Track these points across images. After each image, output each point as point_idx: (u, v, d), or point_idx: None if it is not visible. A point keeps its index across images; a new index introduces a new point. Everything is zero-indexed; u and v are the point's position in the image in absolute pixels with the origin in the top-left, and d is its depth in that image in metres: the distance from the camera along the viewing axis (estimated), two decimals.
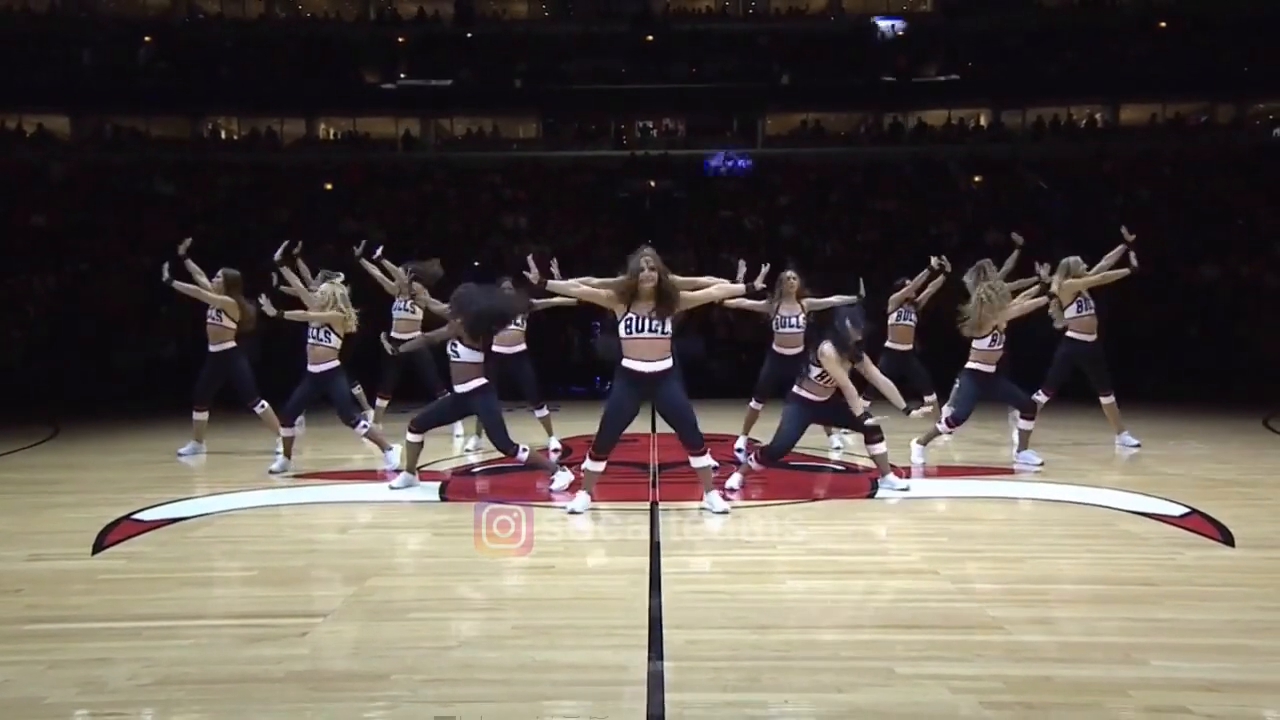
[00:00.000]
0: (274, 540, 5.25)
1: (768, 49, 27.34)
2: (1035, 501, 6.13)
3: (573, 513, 5.58)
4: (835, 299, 7.23)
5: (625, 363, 5.48)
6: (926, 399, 8.75)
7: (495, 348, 7.72)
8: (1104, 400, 8.07)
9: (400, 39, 27.81)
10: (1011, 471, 7.14)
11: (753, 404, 7.83)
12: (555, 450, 7.97)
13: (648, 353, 5.40)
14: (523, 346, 8.00)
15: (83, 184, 22.93)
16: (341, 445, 8.66)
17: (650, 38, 27.48)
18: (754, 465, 6.35)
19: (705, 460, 5.63)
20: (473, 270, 14.18)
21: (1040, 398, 7.84)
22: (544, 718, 2.84)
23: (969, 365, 7.17)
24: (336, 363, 7.13)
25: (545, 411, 8.18)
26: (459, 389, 6.21)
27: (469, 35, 27.60)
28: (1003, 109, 27.20)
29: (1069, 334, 7.94)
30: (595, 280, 5.71)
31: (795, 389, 6.21)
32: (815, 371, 6.03)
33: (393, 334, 7.97)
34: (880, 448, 6.22)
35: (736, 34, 27.90)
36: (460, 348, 6.10)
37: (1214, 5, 25.44)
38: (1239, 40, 24.72)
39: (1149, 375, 12.59)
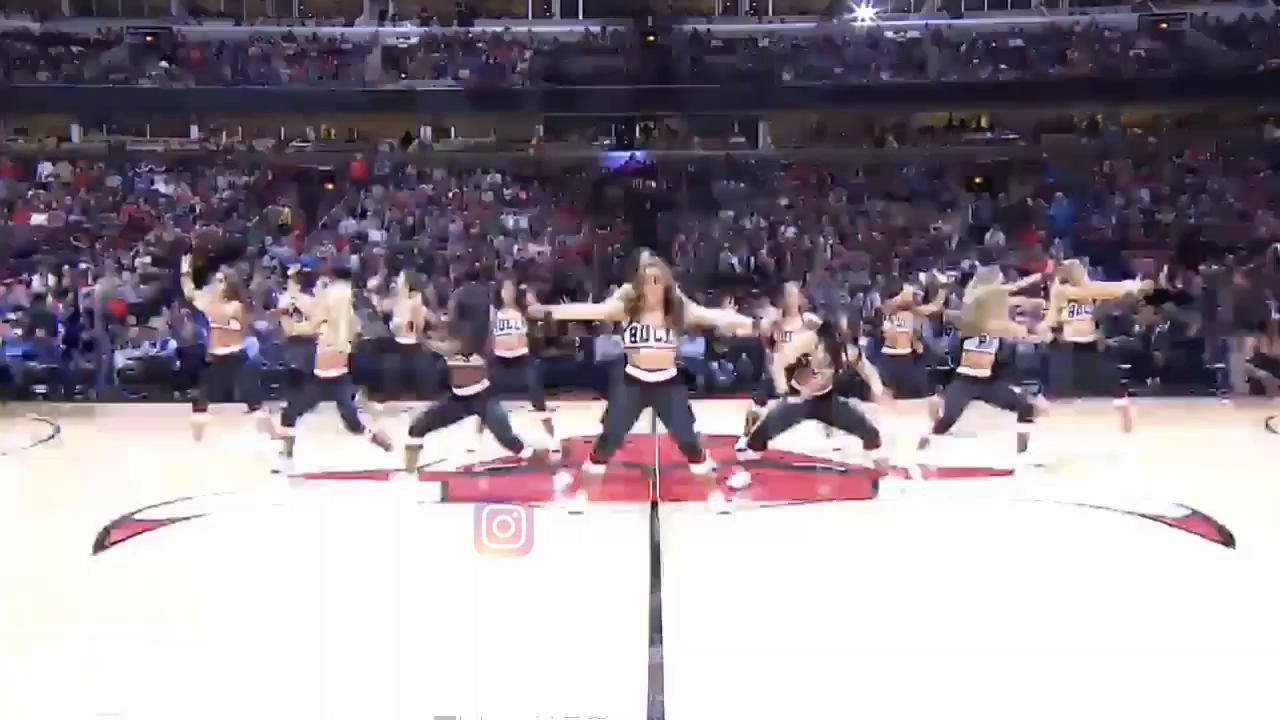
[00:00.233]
0: (275, 540, 5.25)
1: (769, 50, 27.32)
2: (1035, 503, 6.12)
3: (573, 513, 5.57)
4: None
5: (629, 369, 5.49)
6: (930, 400, 8.73)
7: (498, 352, 7.74)
8: (1116, 403, 7.95)
9: (401, 40, 27.80)
10: (1011, 473, 7.13)
11: (754, 406, 7.83)
12: (556, 451, 7.98)
13: (652, 362, 5.40)
14: (524, 350, 8.01)
15: (84, 185, 22.92)
16: (342, 446, 8.64)
17: (652, 38, 27.45)
18: (751, 454, 6.39)
19: (705, 467, 5.65)
20: (470, 276, 14.19)
21: (1043, 402, 7.83)
22: (544, 718, 2.85)
23: (958, 370, 7.12)
24: (344, 369, 7.11)
25: (547, 414, 8.19)
26: (461, 392, 6.19)
27: (470, 36, 27.58)
28: (1004, 110, 27.15)
29: (1066, 337, 7.90)
30: (600, 306, 5.69)
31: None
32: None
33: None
34: (880, 451, 6.22)
35: (738, 34, 27.86)
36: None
37: (1215, 7, 25.41)
38: (1239, 42, 24.69)
39: (1149, 376, 12.58)
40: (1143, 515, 5.52)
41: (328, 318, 7.00)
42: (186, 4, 27.65)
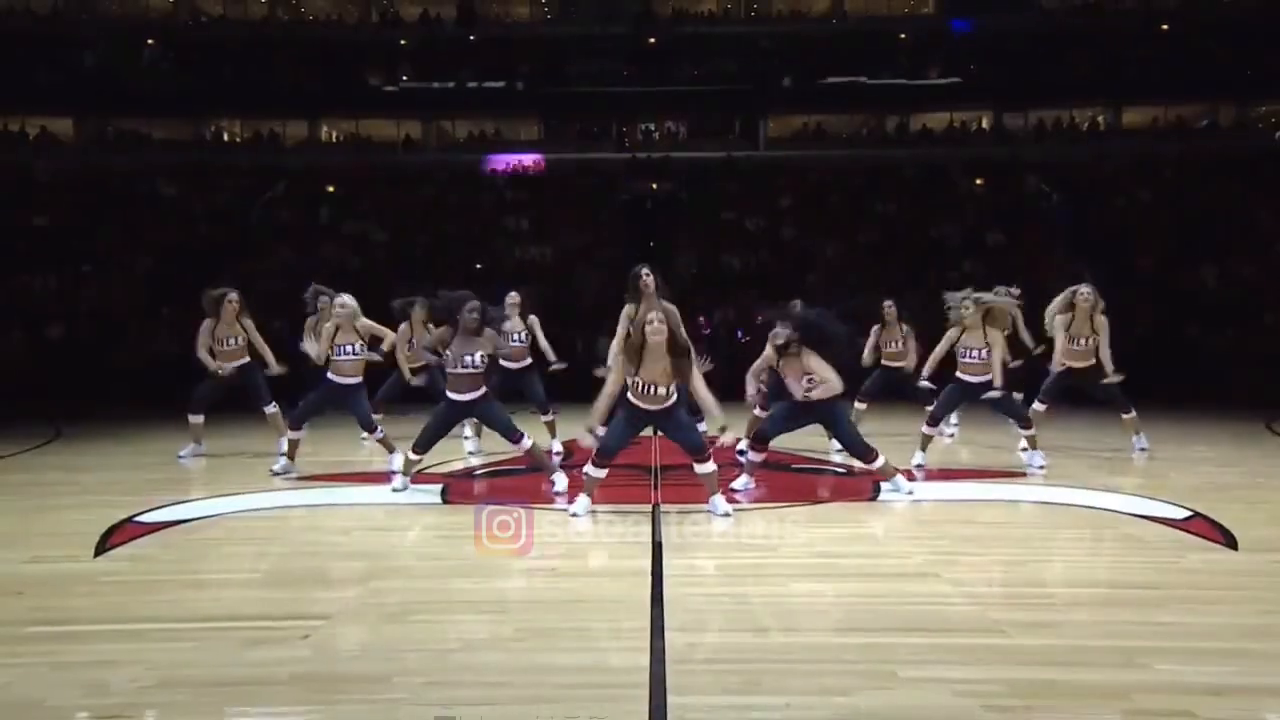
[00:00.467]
0: (276, 542, 5.25)
1: (769, 51, 27.34)
2: (1037, 504, 6.12)
3: (574, 516, 5.59)
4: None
5: (630, 397, 5.63)
6: (927, 408, 8.74)
7: (502, 362, 7.75)
8: (1125, 417, 8.00)
9: (402, 41, 27.82)
10: (1013, 474, 7.13)
11: (756, 410, 7.84)
12: (558, 453, 7.98)
13: (653, 402, 5.60)
14: (529, 361, 8.11)
15: (85, 185, 22.94)
16: (344, 447, 8.66)
17: (652, 40, 27.48)
18: (754, 456, 6.41)
19: (710, 466, 5.69)
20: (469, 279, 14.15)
21: (1038, 406, 7.83)
22: (544, 718, 2.84)
23: (956, 375, 7.24)
24: (359, 379, 7.17)
25: (551, 417, 8.26)
26: (460, 398, 6.22)
27: (471, 37, 27.60)
28: (1004, 111, 27.19)
29: (1062, 361, 7.86)
30: (618, 359, 5.71)
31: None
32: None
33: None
34: (879, 462, 6.21)
35: (738, 36, 27.89)
36: (467, 358, 6.13)
37: (1215, 8, 25.43)
38: (1240, 43, 24.71)
39: (1150, 378, 12.56)
40: (1145, 517, 5.51)
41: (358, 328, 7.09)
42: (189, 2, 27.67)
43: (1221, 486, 6.65)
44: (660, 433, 5.97)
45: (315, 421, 9.68)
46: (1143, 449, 7.99)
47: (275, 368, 8.11)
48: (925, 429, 7.37)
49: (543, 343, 8.24)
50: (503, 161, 25.10)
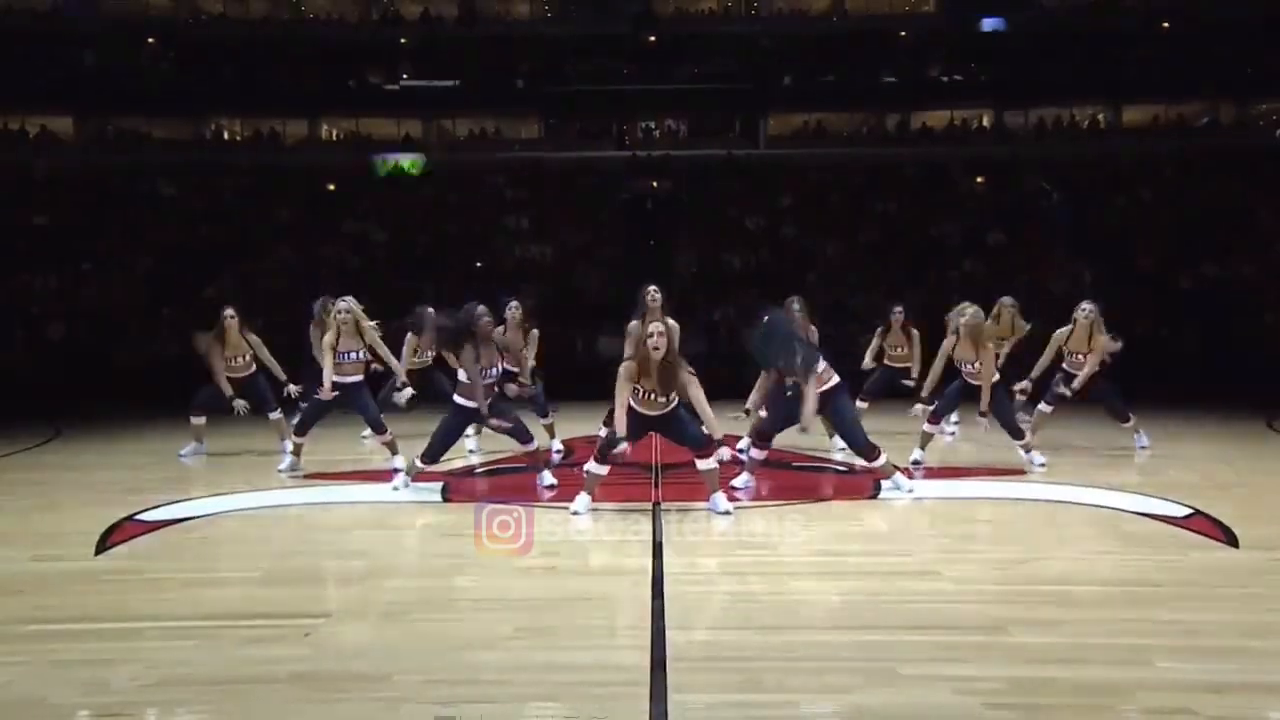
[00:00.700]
0: (276, 541, 5.25)
1: (769, 50, 27.33)
2: (1038, 503, 6.11)
3: (575, 514, 5.60)
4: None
5: (632, 402, 5.69)
6: (920, 405, 8.74)
7: (505, 365, 7.73)
8: (1124, 426, 7.99)
9: (402, 40, 27.82)
10: (1014, 472, 7.12)
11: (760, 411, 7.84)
12: (558, 451, 7.98)
13: (656, 406, 5.69)
14: (531, 364, 8.01)
15: (85, 185, 22.95)
16: (343, 445, 8.65)
17: (652, 39, 27.47)
18: (756, 454, 6.41)
19: (711, 463, 5.68)
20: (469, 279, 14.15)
21: (1044, 407, 7.83)
22: (545, 719, 2.84)
23: (962, 378, 7.26)
24: (360, 377, 7.13)
25: (550, 420, 8.27)
26: (471, 405, 6.24)
27: (471, 36, 27.60)
28: (1005, 110, 27.18)
29: (1064, 367, 7.85)
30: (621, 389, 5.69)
31: None
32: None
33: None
34: (880, 460, 6.19)
35: (738, 35, 27.88)
36: (493, 370, 6.26)
37: (1216, 7, 25.43)
38: (1240, 42, 24.71)
39: (1151, 377, 12.56)
40: (1146, 515, 5.51)
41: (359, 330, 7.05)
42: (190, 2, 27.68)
43: (1222, 484, 6.65)
44: (662, 434, 5.98)
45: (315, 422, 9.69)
46: (1144, 447, 7.98)
47: (282, 378, 8.04)
48: (926, 426, 7.37)
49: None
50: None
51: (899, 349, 8.67)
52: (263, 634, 3.55)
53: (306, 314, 8.43)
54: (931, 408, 7.39)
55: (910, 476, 6.47)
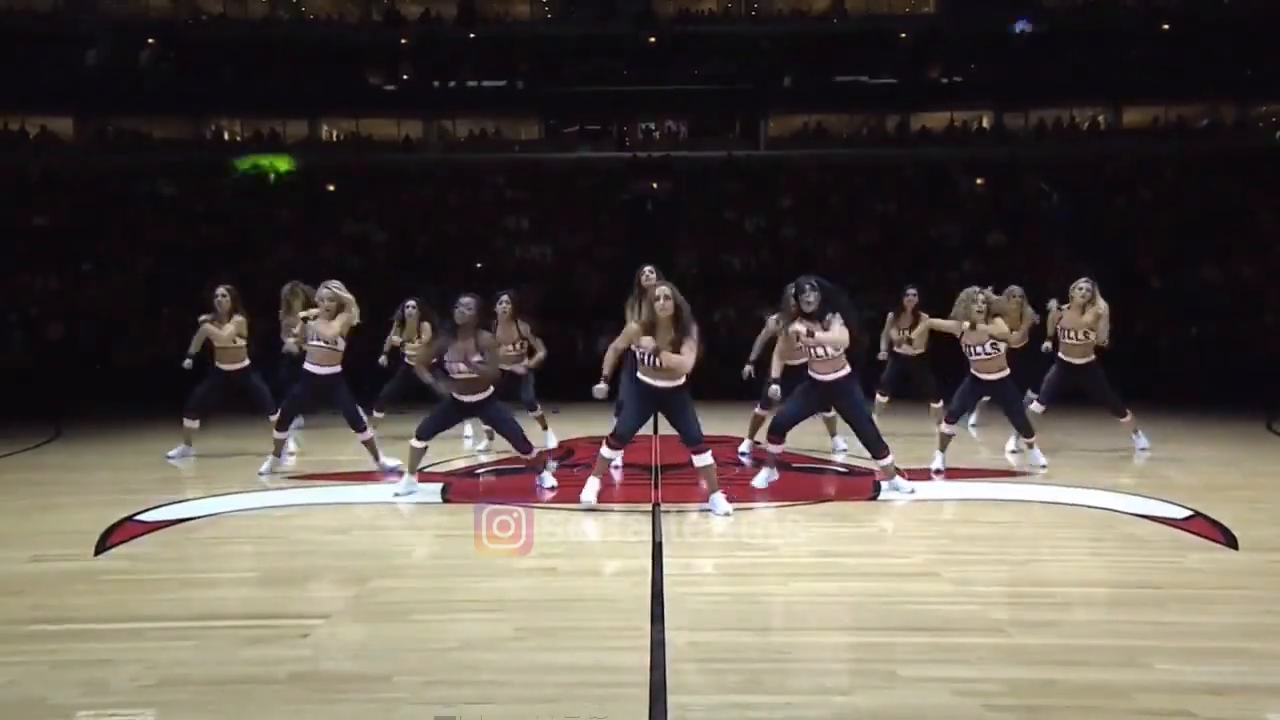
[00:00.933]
0: (276, 541, 5.25)
1: (769, 51, 27.34)
2: (1038, 504, 6.11)
3: (585, 501, 5.73)
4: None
5: (639, 374, 5.74)
6: (933, 405, 8.75)
7: (503, 366, 7.73)
8: (1121, 422, 7.99)
9: (403, 40, 27.82)
10: (1013, 474, 7.12)
11: (758, 410, 7.82)
12: (553, 449, 8.00)
13: (661, 375, 5.66)
14: (522, 364, 8.02)
15: (85, 185, 22.95)
16: (342, 446, 8.65)
17: (652, 39, 27.48)
18: (772, 448, 6.31)
19: (707, 458, 5.72)
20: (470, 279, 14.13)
21: (1035, 408, 7.83)
22: (544, 718, 2.84)
23: (971, 371, 7.14)
24: (338, 368, 7.03)
25: (539, 413, 8.33)
26: (465, 399, 6.18)
27: (471, 37, 27.60)
28: (1005, 111, 27.18)
29: (1060, 356, 7.86)
30: (621, 340, 5.80)
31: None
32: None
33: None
34: (888, 459, 6.18)
35: (738, 35, 27.89)
36: (461, 364, 6.04)
37: (1216, 8, 25.44)
38: (1241, 43, 24.71)
39: (1150, 378, 12.56)
40: (1145, 517, 5.51)
41: (325, 312, 6.92)
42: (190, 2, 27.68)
43: (1222, 486, 6.65)
44: (664, 414, 5.98)
45: (315, 421, 9.73)
46: (1144, 448, 7.97)
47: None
48: (944, 427, 7.20)
49: (538, 347, 8.12)
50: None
51: (907, 331, 8.47)
52: (262, 634, 3.55)
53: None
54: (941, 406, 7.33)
55: (927, 479, 6.47)
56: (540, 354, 8.12)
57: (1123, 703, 2.87)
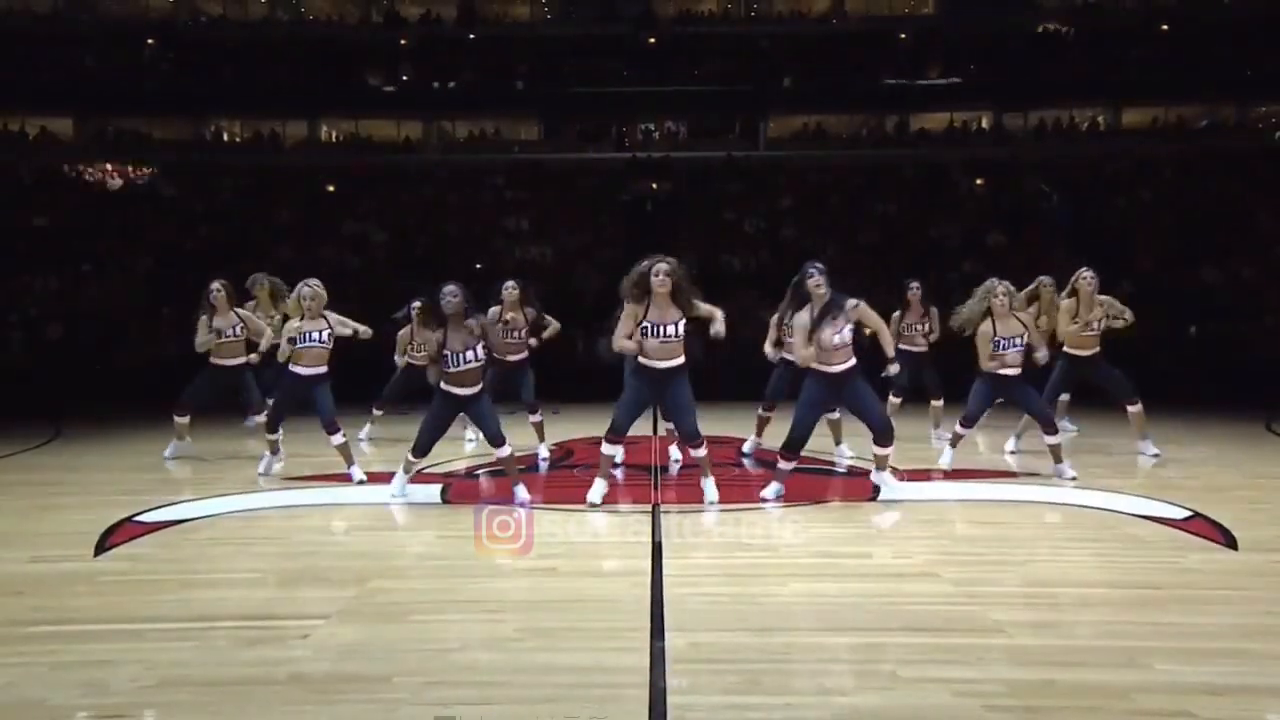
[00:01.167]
0: (276, 542, 5.25)
1: (769, 51, 27.34)
2: (1038, 504, 6.12)
3: (592, 504, 5.78)
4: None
5: (641, 359, 5.82)
6: (935, 403, 8.74)
7: (496, 356, 7.67)
8: (1130, 409, 7.76)
9: (402, 41, 27.82)
10: (1014, 474, 7.12)
11: (761, 410, 7.80)
12: (544, 459, 7.93)
13: (662, 353, 5.76)
14: (524, 355, 7.92)
15: (85, 185, 22.95)
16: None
17: (652, 40, 27.48)
18: (784, 465, 6.15)
19: (702, 451, 5.91)
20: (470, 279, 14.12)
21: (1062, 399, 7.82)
22: (544, 718, 2.84)
23: (981, 369, 6.94)
24: (324, 369, 6.93)
25: (539, 418, 8.13)
26: (460, 392, 6.00)
27: (471, 37, 27.60)
28: (1004, 112, 27.18)
29: (1066, 349, 7.78)
30: (623, 325, 5.84)
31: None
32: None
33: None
34: (889, 449, 6.12)
35: (738, 36, 27.89)
36: (470, 353, 5.92)
37: (1216, 8, 25.43)
38: (1240, 43, 24.72)
39: (1150, 379, 12.55)
40: (1145, 517, 5.51)
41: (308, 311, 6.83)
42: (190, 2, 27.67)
43: (1221, 486, 6.65)
44: (662, 404, 6.03)
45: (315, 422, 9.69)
46: (1155, 455, 7.75)
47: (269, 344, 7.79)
48: (959, 428, 7.14)
49: (549, 322, 8.05)
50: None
51: (918, 327, 8.41)
52: (262, 635, 3.55)
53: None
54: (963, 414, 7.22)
55: (902, 479, 6.49)
56: (555, 326, 8.02)
57: (1122, 703, 2.87)
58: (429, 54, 27.40)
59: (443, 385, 6.02)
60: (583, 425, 9.75)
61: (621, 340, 5.77)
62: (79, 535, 5.14)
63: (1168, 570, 4.41)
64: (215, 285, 7.91)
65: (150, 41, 26.87)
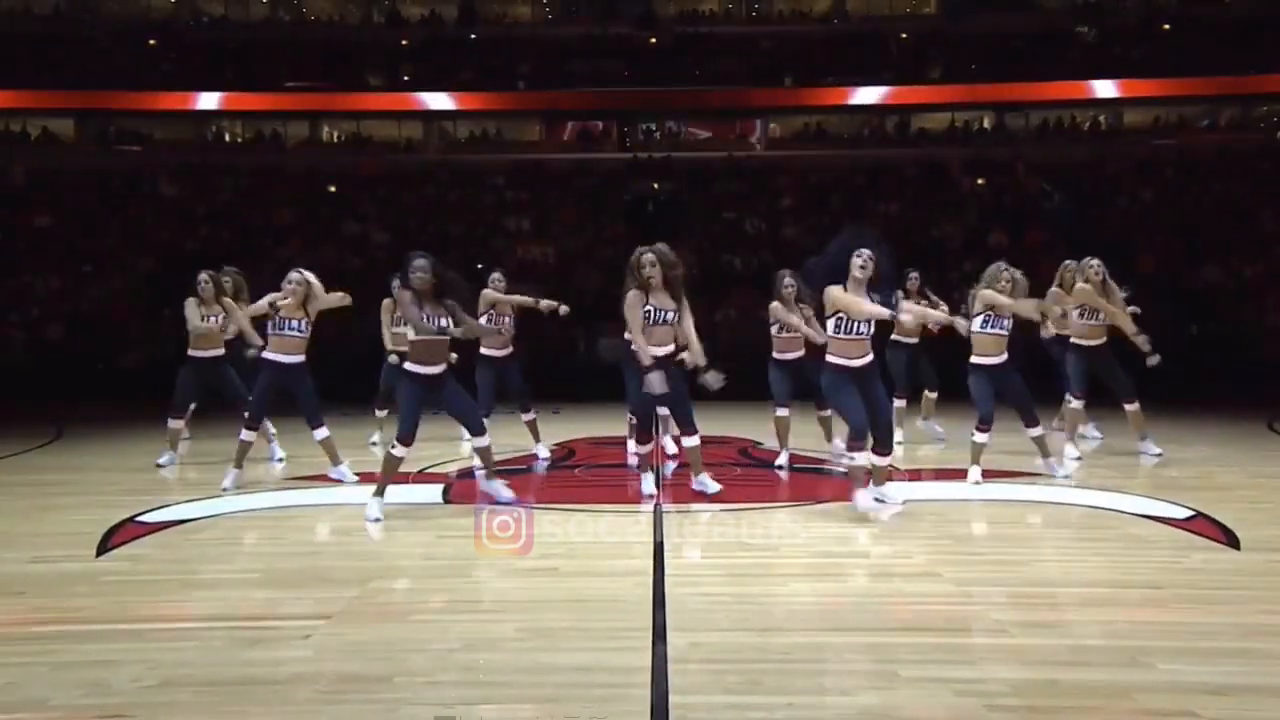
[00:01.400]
0: (277, 542, 5.25)
1: (769, 51, 27.33)
2: (1039, 504, 6.11)
3: (648, 495, 5.99)
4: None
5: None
6: (929, 393, 8.69)
7: (484, 351, 7.64)
8: (1127, 408, 7.70)
9: (403, 41, 27.82)
10: (1015, 474, 7.11)
11: (779, 412, 7.43)
12: (544, 459, 7.92)
13: (664, 338, 5.92)
14: (510, 350, 7.82)
15: (85, 185, 22.94)
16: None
17: (653, 40, 27.47)
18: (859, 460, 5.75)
19: (695, 440, 6.06)
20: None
21: (1075, 404, 7.74)
22: (544, 718, 2.83)
23: (971, 361, 6.68)
24: (302, 357, 6.73)
25: (532, 415, 7.99)
26: (424, 370, 5.68)
27: (472, 37, 27.60)
28: (1005, 111, 27.16)
29: (1073, 340, 7.75)
30: (632, 315, 5.92)
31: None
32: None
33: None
34: (861, 458, 5.69)
35: (738, 36, 27.88)
36: (439, 322, 5.71)
37: (1216, 7, 25.41)
38: (1241, 43, 24.70)
39: (1151, 377, 12.54)
40: (1147, 517, 5.51)
41: (291, 297, 6.68)
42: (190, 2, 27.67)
43: (1223, 486, 6.65)
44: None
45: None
46: (1157, 454, 7.71)
47: (258, 344, 7.23)
48: (976, 437, 6.76)
49: (538, 302, 7.89)
50: None
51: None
52: (263, 635, 3.55)
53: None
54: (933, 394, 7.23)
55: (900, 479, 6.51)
56: (548, 302, 7.87)
57: (1125, 703, 2.87)
58: (429, 54, 27.39)
59: (406, 365, 5.76)
60: (583, 425, 9.74)
61: (643, 346, 5.77)
62: (80, 535, 5.14)
63: (1170, 570, 4.40)
64: (203, 277, 7.82)
65: (152, 42, 26.87)
